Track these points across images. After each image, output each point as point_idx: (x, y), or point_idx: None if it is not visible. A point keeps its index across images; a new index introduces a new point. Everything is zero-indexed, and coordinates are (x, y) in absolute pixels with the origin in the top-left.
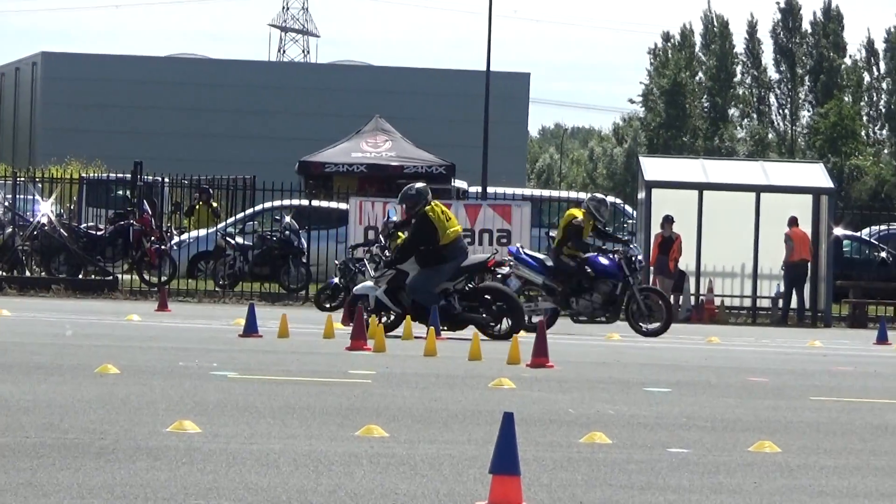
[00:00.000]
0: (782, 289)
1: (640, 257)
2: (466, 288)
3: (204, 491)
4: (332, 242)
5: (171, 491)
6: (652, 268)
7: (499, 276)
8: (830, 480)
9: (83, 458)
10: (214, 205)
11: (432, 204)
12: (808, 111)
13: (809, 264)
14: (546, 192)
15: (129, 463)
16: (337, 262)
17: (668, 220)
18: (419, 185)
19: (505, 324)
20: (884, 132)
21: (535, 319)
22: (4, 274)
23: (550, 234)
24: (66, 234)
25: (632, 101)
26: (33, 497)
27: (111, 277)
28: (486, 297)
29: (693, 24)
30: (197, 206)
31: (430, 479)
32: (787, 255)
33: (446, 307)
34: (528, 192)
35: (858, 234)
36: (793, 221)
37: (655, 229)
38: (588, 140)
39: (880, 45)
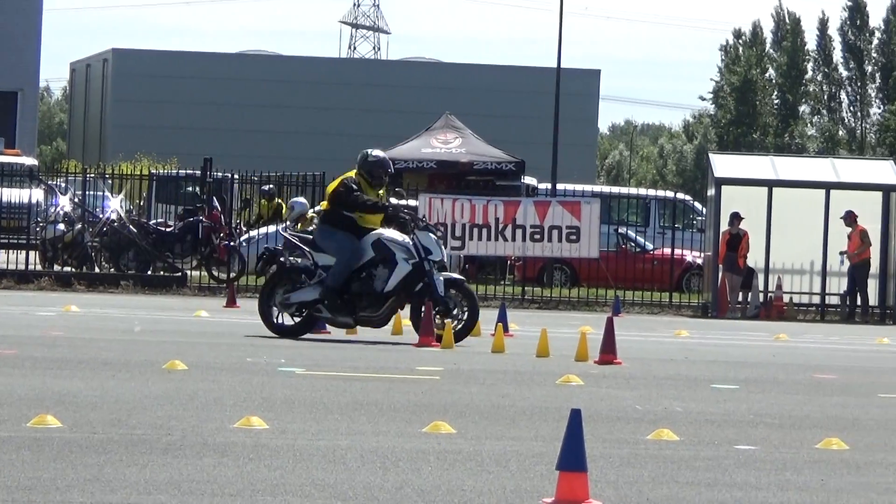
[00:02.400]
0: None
1: None
2: None
3: (271, 487)
4: None
5: (238, 487)
6: (720, 265)
7: None
8: None
9: (150, 454)
10: (278, 201)
11: None
12: (879, 108)
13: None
14: (616, 189)
15: (196, 459)
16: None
17: (735, 217)
18: None
19: None
20: None
21: None
22: (74, 270)
23: (619, 230)
24: (135, 231)
25: (702, 98)
26: (100, 492)
27: (180, 274)
28: None
29: (764, 22)
30: (261, 204)
31: (496, 476)
32: (861, 251)
33: None
34: (597, 188)
35: None
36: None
37: (725, 226)
38: (658, 137)
39: None
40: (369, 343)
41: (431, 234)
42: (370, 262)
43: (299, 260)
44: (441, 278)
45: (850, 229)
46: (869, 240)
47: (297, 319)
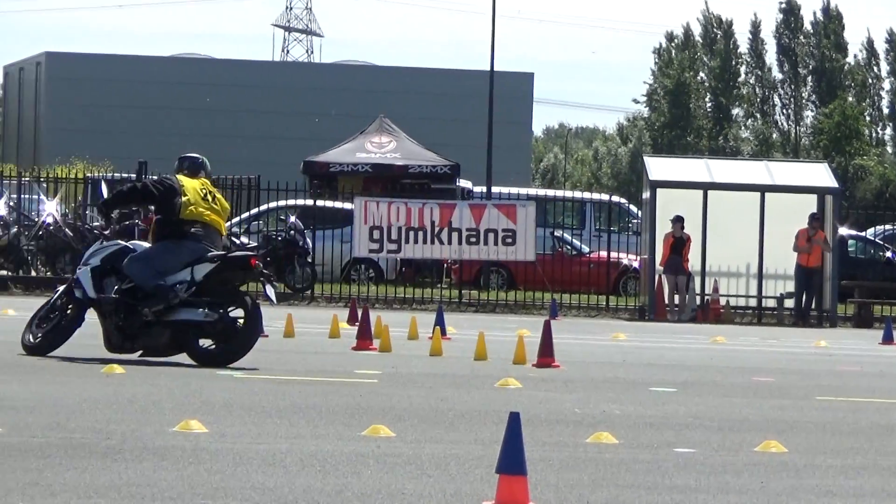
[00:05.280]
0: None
1: None
2: None
3: (211, 491)
4: (338, 242)
5: (178, 490)
6: (662, 267)
7: None
8: (837, 480)
9: (89, 458)
10: None
11: None
12: (812, 111)
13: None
14: (551, 192)
15: (136, 463)
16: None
17: (678, 221)
18: None
19: None
20: (887, 132)
21: None
22: (10, 274)
23: (555, 233)
24: (70, 234)
25: (636, 101)
26: (40, 497)
27: None
28: None
29: (694, 25)
30: None
31: (436, 479)
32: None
33: None
34: (532, 191)
35: (863, 233)
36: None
37: (660, 229)
38: (592, 140)
39: (880, 46)
40: (307, 346)
41: None
42: None
43: None
44: None
45: (812, 232)
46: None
47: None
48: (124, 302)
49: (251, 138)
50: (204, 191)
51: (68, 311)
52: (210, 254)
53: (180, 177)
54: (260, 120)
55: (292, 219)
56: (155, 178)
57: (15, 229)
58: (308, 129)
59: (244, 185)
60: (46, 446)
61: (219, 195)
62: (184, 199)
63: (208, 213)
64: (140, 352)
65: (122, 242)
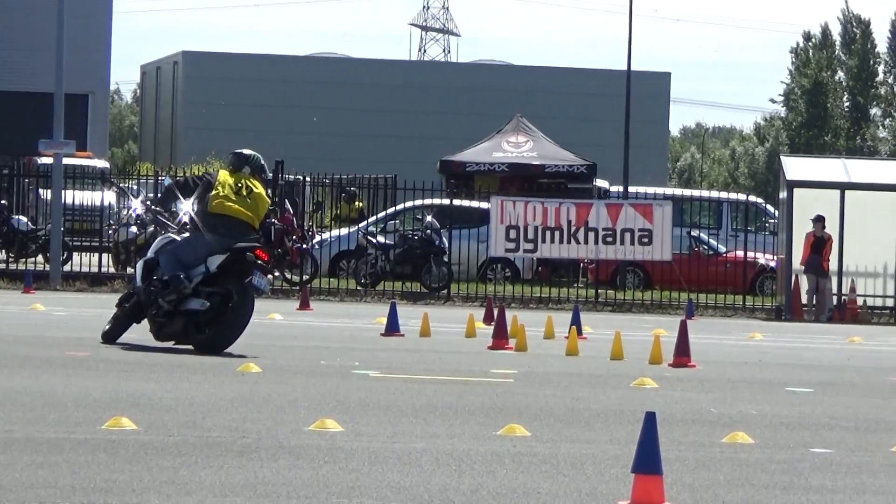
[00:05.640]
0: None
1: None
2: None
3: (346, 489)
4: (474, 242)
5: (314, 489)
6: (802, 266)
7: None
8: None
9: (225, 457)
10: (359, 205)
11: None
12: None
13: None
14: (688, 192)
15: (271, 461)
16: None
17: (819, 220)
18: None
19: None
20: None
21: None
22: None
23: (692, 233)
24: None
25: (773, 101)
26: (176, 494)
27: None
28: None
29: (832, 24)
30: (341, 205)
31: (572, 479)
32: None
33: None
34: (669, 191)
35: None
36: None
37: (798, 229)
38: (729, 139)
39: None
40: (443, 346)
41: None
42: None
43: None
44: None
45: None
46: None
47: None
48: (154, 292)
49: (387, 137)
50: (239, 185)
51: (128, 302)
52: (225, 245)
53: (222, 171)
54: (397, 119)
55: (429, 218)
56: (201, 173)
57: (151, 228)
58: (445, 129)
59: (381, 184)
60: (182, 444)
61: (257, 190)
62: (213, 192)
63: (235, 205)
64: (173, 341)
65: (173, 235)
